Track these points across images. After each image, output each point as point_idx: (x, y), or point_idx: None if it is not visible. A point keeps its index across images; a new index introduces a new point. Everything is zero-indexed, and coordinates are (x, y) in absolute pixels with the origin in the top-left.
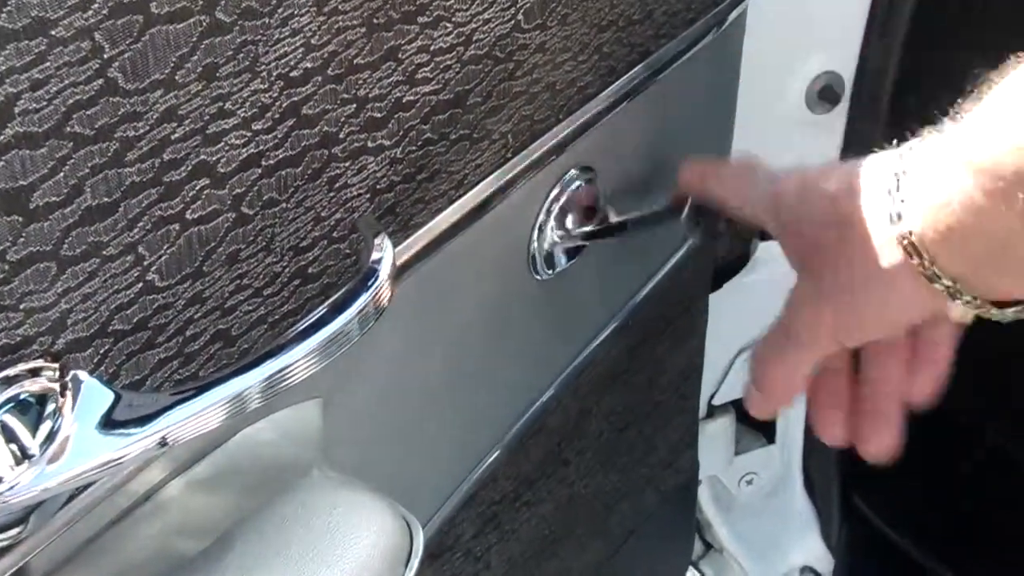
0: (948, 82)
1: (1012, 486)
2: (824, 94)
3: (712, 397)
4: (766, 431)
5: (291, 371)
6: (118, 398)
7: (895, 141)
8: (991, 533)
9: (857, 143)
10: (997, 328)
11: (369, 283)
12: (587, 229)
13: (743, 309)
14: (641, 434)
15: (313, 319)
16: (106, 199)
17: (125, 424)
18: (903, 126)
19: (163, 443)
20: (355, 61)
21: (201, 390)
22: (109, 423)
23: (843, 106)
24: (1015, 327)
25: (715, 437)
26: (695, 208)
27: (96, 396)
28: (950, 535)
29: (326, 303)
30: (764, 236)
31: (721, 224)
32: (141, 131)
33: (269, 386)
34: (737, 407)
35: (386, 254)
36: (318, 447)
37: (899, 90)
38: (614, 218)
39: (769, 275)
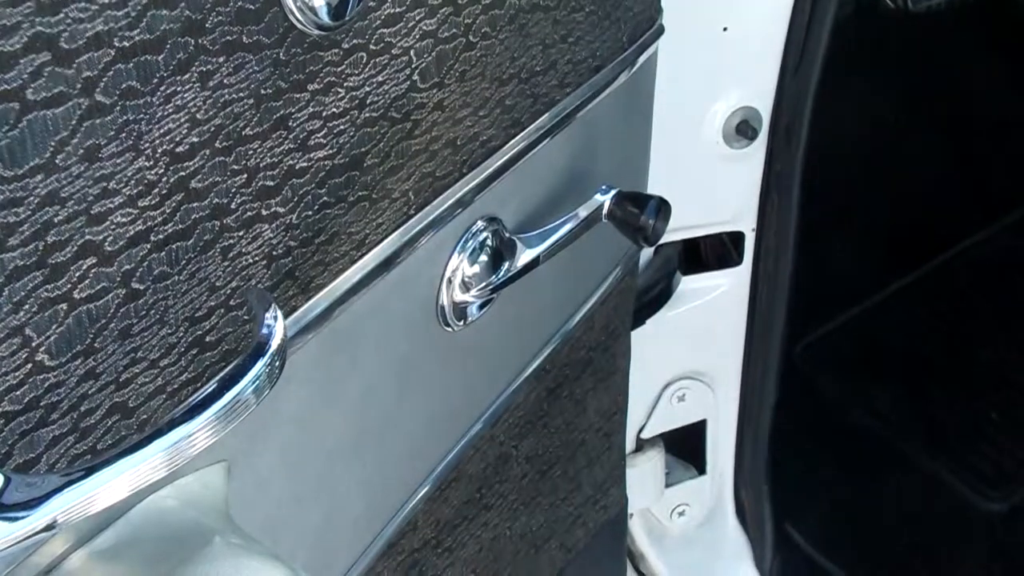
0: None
1: (943, 511)
2: (741, 129)
3: (641, 430)
4: (696, 462)
5: (191, 443)
6: (7, 481)
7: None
8: (923, 560)
9: (776, 177)
10: (919, 346)
11: (260, 355)
12: (496, 280)
13: (668, 342)
14: (566, 474)
15: (206, 393)
16: None
17: (15, 508)
18: (822, 159)
19: (52, 526)
20: (244, 132)
21: (94, 469)
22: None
23: (761, 140)
24: (935, 344)
25: (645, 470)
26: (617, 202)
27: None
28: (881, 562)
29: (218, 376)
30: (688, 269)
31: (643, 217)
32: (22, 216)
33: (168, 459)
34: (666, 439)
35: (277, 326)
36: (222, 512)
37: (816, 123)
38: (524, 258)
39: (692, 308)
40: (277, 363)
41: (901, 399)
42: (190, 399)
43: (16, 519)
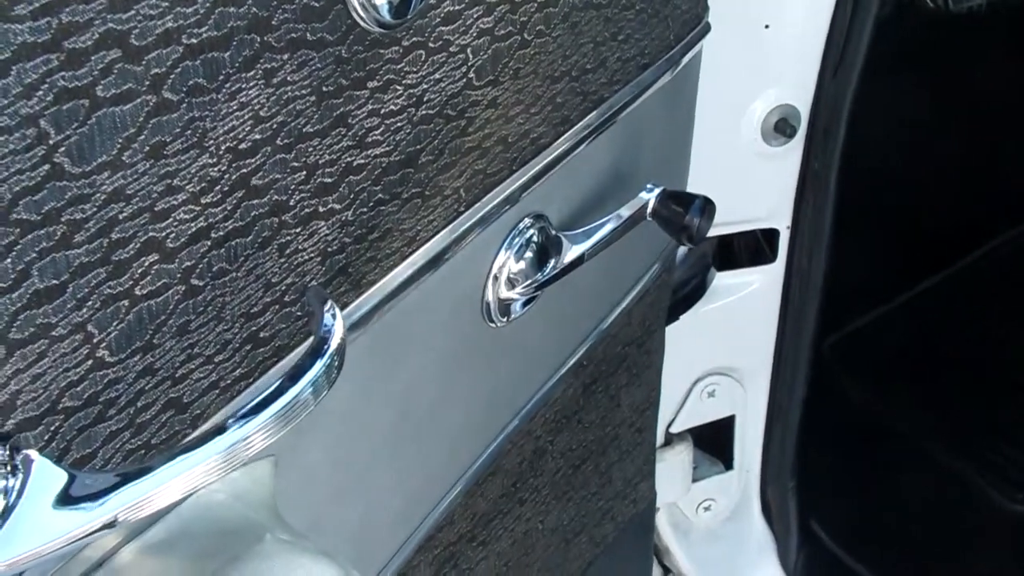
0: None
1: (967, 511)
2: (780, 127)
3: (670, 425)
4: (724, 457)
5: (248, 444)
6: (72, 477)
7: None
8: (946, 559)
9: (813, 176)
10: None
11: (319, 354)
12: (541, 278)
13: (700, 338)
14: (597, 469)
15: (265, 393)
16: (54, 281)
17: (79, 504)
18: (858, 158)
19: (113, 524)
20: (304, 129)
21: (152, 468)
22: (63, 502)
23: (799, 138)
24: (962, 344)
25: (673, 465)
26: (661, 200)
27: (48, 475)
28: (905, 560)
29: (279, 375)
30: (722, 265)
31: (687, 216)
32: (88, 213)
33: (225, 460)
34: (695, 434)
35: (336, 324)
36: (271, 508)
37: (854, 122)
38: (569, 256)
39: (725, 304)
40: (336, 363)
41: (926, 398)
42: (248, 399)
43: (83, 513)
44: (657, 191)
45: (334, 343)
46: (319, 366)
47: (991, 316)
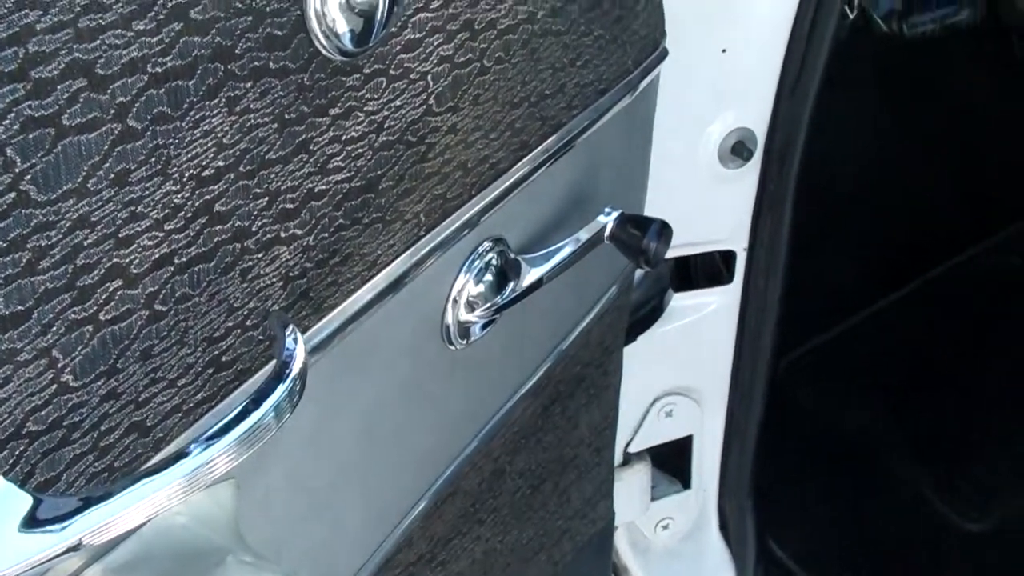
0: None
1: (925, 531)
2: (736, 150)
3: (628, 445)
4: (682, 476)
5: (210, 468)
6: (38, 501)
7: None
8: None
9: (769, 197)
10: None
11: (281, 379)
12: (500, 301)
13: (657, 358)
14: (556, 489)
15: (228, 417)
16: (19, 307)
17: (45, 525)
18: (814, 179)
19: (78, 547)
20: (267, 156)
21: (115, 492)
22: (29, 525)
23: (755, 161)
24: (919, 362)
25: (631, 484)
26: (619, 224)
27: (13, 499)
28: None
29: (242, 399)
30: (679, 286)
31: (645, 240)
32: (54, 239)
33: (188, 484)
34: (653, 454)
35: (298, 349)
36: (233, 530)
37: (810, 144)
38: (528, 279)
39: (682, 325)
40: (298, 387)
41: (885, 417)
42: (211, 422)
43: (46, 537)
44: (615, 214)
45: (296, 367)
46: (281, 390)
47: (948, 334)
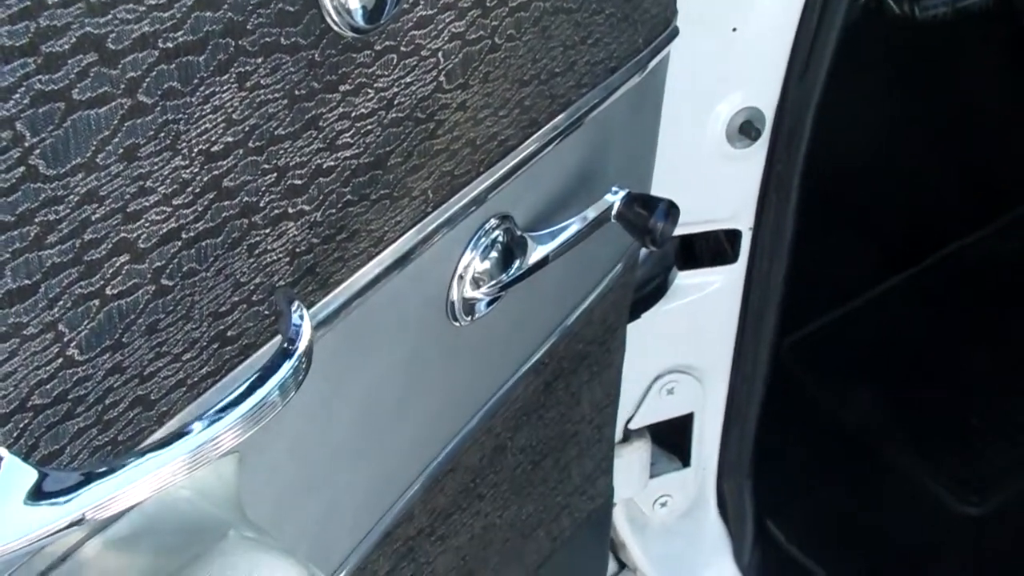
0: (866, 117)
1: (923, 514)
2: (744, 129)
3: (628, 421)
4: (681, 454)
5: (215, 444)
6: (44, 475)
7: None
8: (902, 562)
9: (776, 178)
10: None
11: (287, 356)
12: (506, 278)
13: (660, 336)
14: (557, 464)
15: (234, 394)
16: (26, 281)
17: (50, 498)
18: (822, 160)
19: (81, 521)
20: (276, 132)
21: (120, 467)
22: (34, 498)
23: (763, 141)
24: (921, 347)
25: (630, 461)
26: (626, 203)
27: (18, 472)
28: (860, 562)
29: (246, 374)
30: (684, 264)
31: (652, 220)
32: (62, 214)
33: (192, 460)
34: (653, 431)
35: (304, 326)
36: (235, 505)
37: (818, 125)
38: (534, 257)
39: (686, 303)
40: (304, 365)
41: (885, 400)
42: (215, 397)
43: (51, 510)
44: (622, 194)
45: (302, 345)
46: (287, 368)
47: (952, 318)
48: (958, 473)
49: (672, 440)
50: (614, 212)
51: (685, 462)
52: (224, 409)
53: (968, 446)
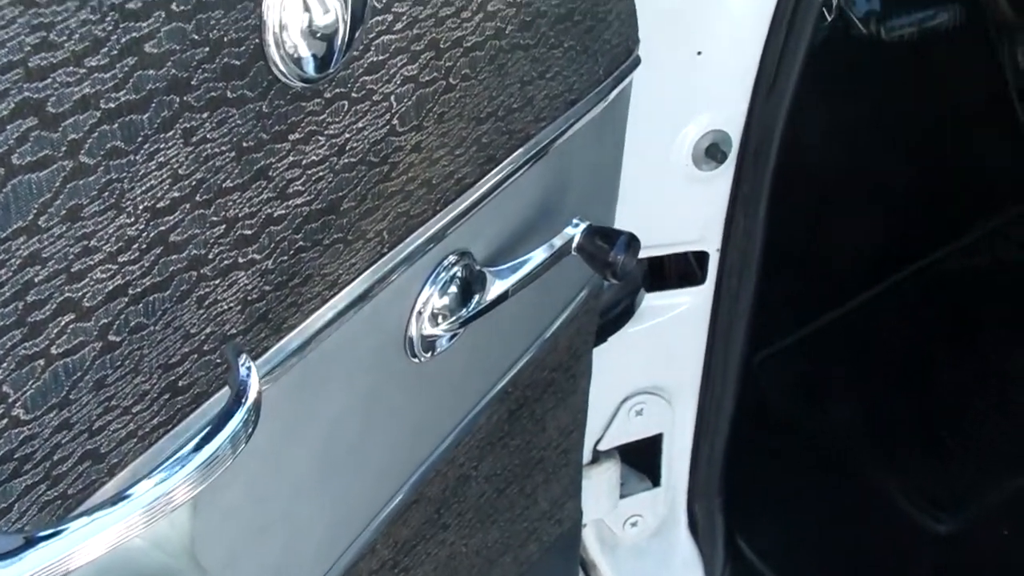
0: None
1: (893, 531)
2: (711, 152)
3: (597, 443)
4: (651, 474)
5: (168, 499)
6: None
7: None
8: None
9: (743, 199)
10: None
11: (236, 408)
12: (466, 314)
13: (628, 358)
14: (523, 491)
15: (184, 450)
16: None
17: None
18: (788, 179)
19: None
20: (224, 184)
21: (70, 526)
22: None
23: (729, 162)
24: (892, 361)
25: (600, 482)
26: (587, 236)
27: None
28: None
29: (198, 422)
30: (651, 286)
31: (612, 253)
32: (4, 278)
33: (146, 516)
34: (622, 450)
35: (251, 378)
36: (189, 553)
37: (784, 145)
38: (494, 292)
39: (653, 325)
40: (252, 417)
41: (855, 417)
42: (167, 447)
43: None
44: (583, 226)
45: (250, 398)
46: (236, 421)
47: (923, 333)
48: (929, 489)
49: (642, 459)
50: (574, 245)
51: (655, 481)
52: (175, 464)
53: (939, 462)
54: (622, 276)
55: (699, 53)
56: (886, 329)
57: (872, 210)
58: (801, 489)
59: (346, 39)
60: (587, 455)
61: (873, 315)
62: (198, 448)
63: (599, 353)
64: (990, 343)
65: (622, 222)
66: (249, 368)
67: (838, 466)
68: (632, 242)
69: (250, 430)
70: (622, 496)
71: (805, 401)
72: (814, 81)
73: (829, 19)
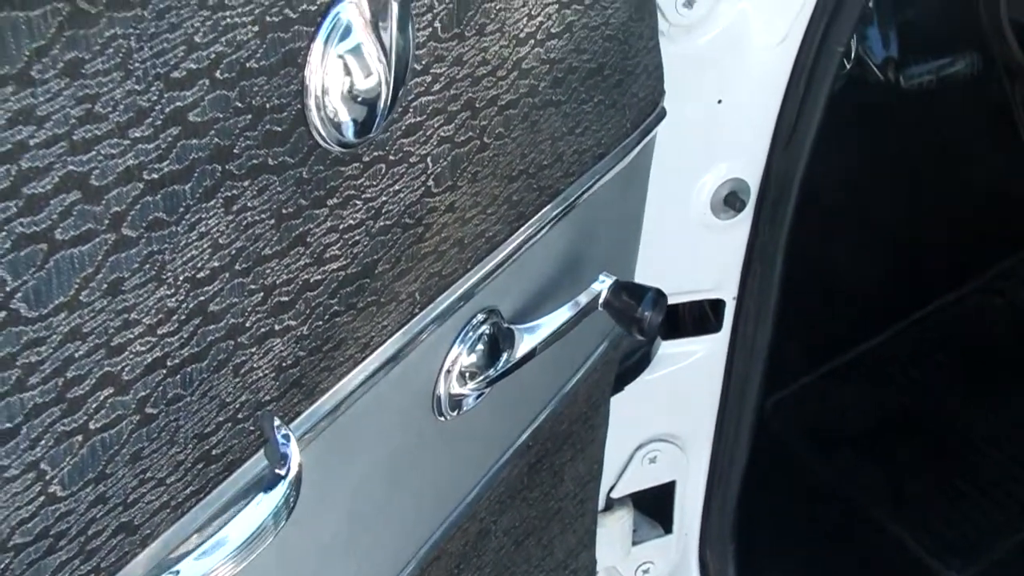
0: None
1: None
2: (729, 201)
3: (611, 490)
4: (664, 521)
5: None
6: None
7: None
8: None
9: (761, 248)
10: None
11: (278, 482)
12: (494, 373)
13: (642, 406)
14: (540, 543)
15: (226, 529)
16: (7, 424)
17: None
18: (804, 226)
19: None
20: (263, 252)
21: None
22: None
23: (747, 211)
24: (905, 406)
25: (613, 530)
26: (614, 292)
27: None
28: None
29: (231, 490)
30: (668, 334)
31: (639, 309)
32: (44, 355)
33: None
34: (635, 497)
35: (292, 456)
36: None
37: (803, 197)
38: (522, 349)
39: (669, 373)
40: (295, 491)
41: (868, 462)
42: (201, 517)
43: None
44: (609, 282)
45: (292, 471)
46: (278, 495)
47: (933, 378)
48: (943, 536)
49: (654, 506)
50: (601, 300)
51: (667, 528)
52: (217, 544)
53: (953, 509)
54: (649, 332)
55: (719, 101)
56: (900, 373)
57: (885, 253)
58: (813, 534)
59: (388, 101)
60: (600, 502)
61: (887, 358)
62: (240, 524)
63: (614, 400)
64: (1005, 387)
65: (640, 270)
66: (288, 437)
67: (851, 512)
68: (659, 298)
69: (292, 504)
70: (634, 543)
71: (818, 444)
72: (832, 127)
73: (848, 67)
